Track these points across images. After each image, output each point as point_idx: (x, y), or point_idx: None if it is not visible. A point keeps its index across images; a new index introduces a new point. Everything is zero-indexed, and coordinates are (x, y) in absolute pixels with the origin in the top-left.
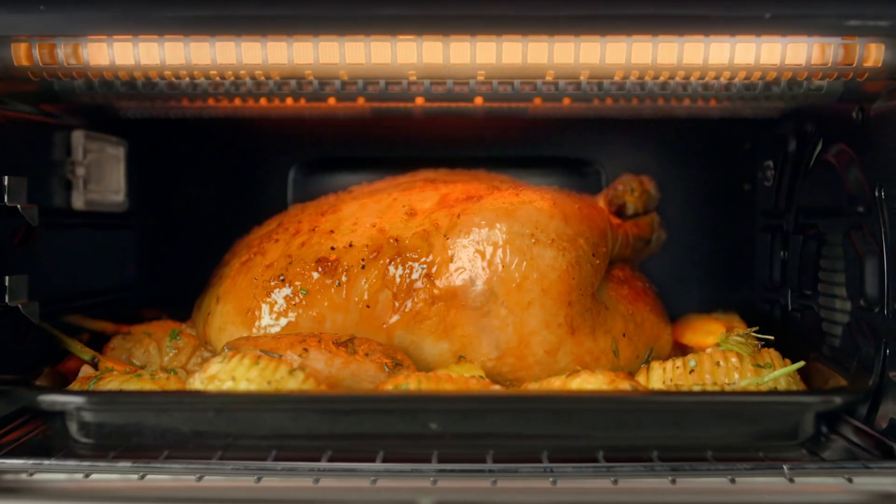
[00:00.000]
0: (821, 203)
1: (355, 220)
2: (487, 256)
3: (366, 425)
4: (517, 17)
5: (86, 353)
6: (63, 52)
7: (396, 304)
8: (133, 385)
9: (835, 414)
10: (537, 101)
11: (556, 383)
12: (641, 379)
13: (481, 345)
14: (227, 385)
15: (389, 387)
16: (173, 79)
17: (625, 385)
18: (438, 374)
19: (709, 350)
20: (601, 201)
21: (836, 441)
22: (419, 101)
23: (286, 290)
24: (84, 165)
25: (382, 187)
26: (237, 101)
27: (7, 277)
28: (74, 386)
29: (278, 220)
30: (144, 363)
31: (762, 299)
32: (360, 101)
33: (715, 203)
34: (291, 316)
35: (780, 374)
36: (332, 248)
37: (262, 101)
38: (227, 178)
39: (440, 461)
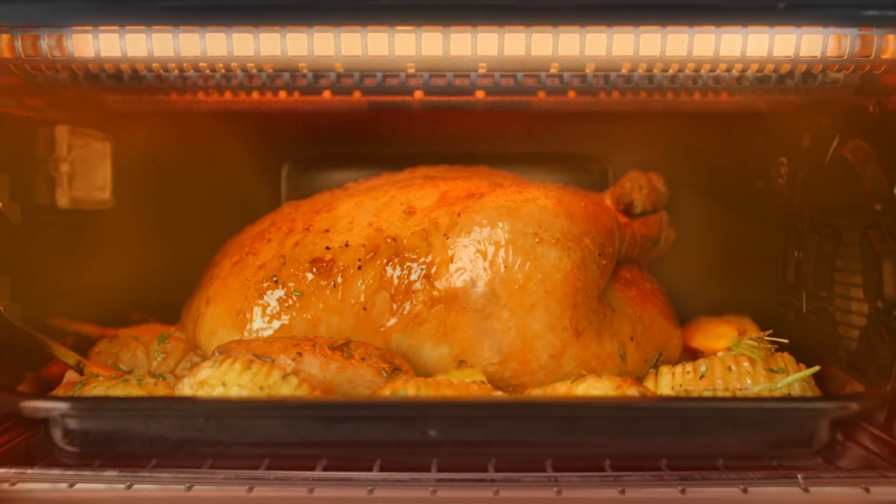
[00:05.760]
0: (836, 201)
1: (351, 219)
2: (489, 256)
3: (362, 433)
4: (520, 6)
5: (70, 358)
6: (47, 44)
7: (394, 306)
8: (119, 391)
9: (851, 421)
10: (541, 94)
11: (561, 389)
12: (650, 384)
13: (483, 349)
14: (218, 391)
15: (387, 392)
16: (161, 71)
17: (632, 391)
18: (438, 379)
19: (720, 354)
20: (608, 199)
21: (852, 449)
22: (418, 94)
23: (279, 292)
24: (68, 162)
25: (380, 184)
26: (228, 95)
27: None
28: (58, 392)
29: (271, 219)
30: (131, 368)
31: (775, 301)
32: (357, 94)
33: (726, 201)
34: (285, 318)
35: (793, 379)
36: (328, 248)
37: (254, 95)
38: (218, 174)
39: (440, 470)
